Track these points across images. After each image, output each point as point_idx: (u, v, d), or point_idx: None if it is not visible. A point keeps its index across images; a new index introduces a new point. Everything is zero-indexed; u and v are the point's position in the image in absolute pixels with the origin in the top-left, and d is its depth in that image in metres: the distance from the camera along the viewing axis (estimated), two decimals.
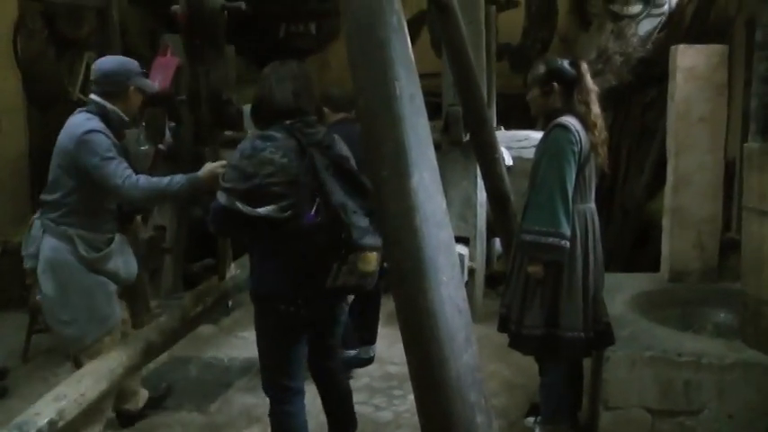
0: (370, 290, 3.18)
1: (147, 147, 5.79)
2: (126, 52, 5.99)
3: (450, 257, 1.93)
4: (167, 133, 6.38)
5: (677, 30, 7.91)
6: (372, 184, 1.96)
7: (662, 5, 8.95)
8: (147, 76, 3.94)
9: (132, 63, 3.73)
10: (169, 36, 7.07)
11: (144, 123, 5.95)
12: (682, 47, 4.84)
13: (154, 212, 6.77)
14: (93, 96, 3.61)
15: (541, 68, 3.72)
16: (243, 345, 5.62)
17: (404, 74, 1.92)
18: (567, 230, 3.42)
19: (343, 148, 3.19)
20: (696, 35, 6.97)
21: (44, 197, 3.56)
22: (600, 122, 3.63)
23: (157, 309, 6.07)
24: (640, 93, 7.78)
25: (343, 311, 3.52)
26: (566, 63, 3.70)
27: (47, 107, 7.55)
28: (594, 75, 7.83)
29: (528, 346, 3.65)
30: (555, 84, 3.64)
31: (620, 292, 4.60)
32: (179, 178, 3.50)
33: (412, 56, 2.03)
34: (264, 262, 3.17)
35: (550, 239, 3.41)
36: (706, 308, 4.62)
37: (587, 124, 3.56)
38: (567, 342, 3.55)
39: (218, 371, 5.21)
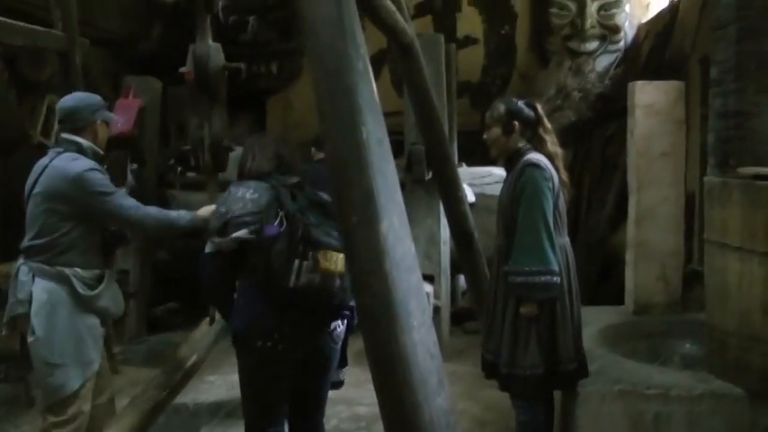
0: (342, 305, 3.16)
1: None
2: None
3: (420, 301, 1.93)
4: (129, 176, 6.34)
5: (634, 66, 8.09)
6: (342, 230, 1.96)
7: (618, 42, 9.17)
8: None
9: (94, 97, 3.76)
10: (132, 78, 7.08)
11: (105, 166, 5.90)
12: (640, 83, 4.95)
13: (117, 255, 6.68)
14: (64, 135, 3.60)
15: (501, 108, 3.72)
16: (209, 389, 5.53)
17: (371, 119, 1.94)
18: (556, 266, 3.44)
19: (319, 187, 3.24)
20: (653, 71, 7.13)
21: (31, 243, 3.50)
22: (562, 161, 3.67)
23: (121, 355, 5.98)
24: (600, 128, 7.90)
25: (331, 355, 3.35)
26: (523, 103, 3.72)
27: (8, 151, 7.45)
28: (554, 111, 8.09)
29: (527, 386, 3.58)
30: (516, 123, 3.65)
31: (587, 326, 4.61)
32: (184, 213, 3.64)
33: (378, 100, 2.04)
34: (240, 298, 3.19)
35: (543, 278, 3.40)
36: (672, 339, 4.67)
37: (555, 162, 3.60)
38: (564, 375, 3.57)
39: (185, 416, 5.11)
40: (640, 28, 9.06)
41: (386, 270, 1.87)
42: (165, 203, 7.13)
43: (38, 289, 3.43)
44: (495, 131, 3.71)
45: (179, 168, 7.10)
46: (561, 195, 3.61)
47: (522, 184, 3.53)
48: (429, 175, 5.73)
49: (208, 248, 3.14)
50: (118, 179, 5.85)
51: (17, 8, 5.99)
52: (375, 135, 1.93)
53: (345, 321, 3.29)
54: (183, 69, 4.25)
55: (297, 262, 3.00)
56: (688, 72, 6.29)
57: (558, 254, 3.50)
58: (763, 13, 4.55)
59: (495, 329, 3.71)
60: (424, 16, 9.36)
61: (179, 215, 3.62)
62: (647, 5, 9.54)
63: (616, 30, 9.14)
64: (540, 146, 3.64)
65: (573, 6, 9.21)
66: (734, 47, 4.58)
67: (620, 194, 6.74)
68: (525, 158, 3.58)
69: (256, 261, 3.06)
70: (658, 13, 8.25)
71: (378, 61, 8.63)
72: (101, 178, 3.47)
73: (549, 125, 3.72)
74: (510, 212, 3.58)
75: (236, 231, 3.06)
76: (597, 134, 7.92)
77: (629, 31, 9.23)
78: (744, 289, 3.62)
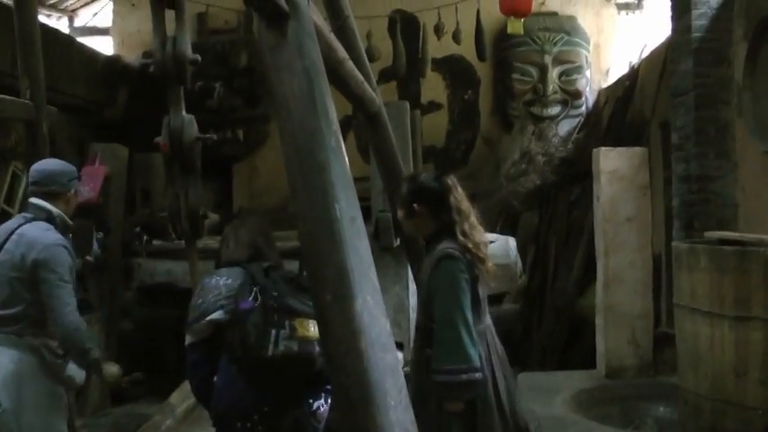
0: (323, 372, 3.06)
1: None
2: None
3: (396, 380, 1.90)
4: (95, 245, 6.24)
5: (595, 130, 8.25)
6: (316, 309, 1.93)
7: (579, 107, 9.40)
8: None
9: (71, 166, 3.78)
10: (98, 145, 7.04)
11: (71, 234, 5.83)
12: (604, 150, 5.03)
13: None
14: (34, 201, 3.55)
15: (403, 188, 3.52)
16: None
17: (343, 196, 1.93)
18: (477, 362, 3.28)
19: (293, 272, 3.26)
20: (614, 136, 7.27)
21: None
22: (479, 238, 3.41)
23: (83, 428, 5.80)
24: (564, 191, 8.00)
25: None
26: (430, 179, 3.49)
27: None
28: (519, 175, 8.19)
29: None
30: (416, 205, 3.43)
31: (559, 392, 4.60)
32: (95, 350, 3.58)
33: (350, 176, 2.04)
34: (220, 377, 3.13)
35: (464, 377, 3.23)
36: (645, 403, 4.67)
37: (466, 245, 3.34)
38: None
39: None
40: (601, 93, 9.28)
41: (361, 349, 1.83)
42: (130, 272, 7.06)
43: (5, 359, 3.34)
44: (400, 213, 3.55)
45: (144, 236, 7.03)
46: (480, 279, 3.42)
47: (437, 278, 3.34)
48: (397, 242, 5.73)
49: (187, 340, 3.13)
50: (83, 248, 5.77)
51: None
52: (348, 212, 1.92)
53: (328, 401, 3.22)
54: (158, 140, 4.29)
55: (273, 331, 2.98)
56: (649, 136, 6.42)
57: (479, 344, 3.35)
58: (719, 81, 4.70)
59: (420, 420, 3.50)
60: (388, 82, 9.49)
61: (92, 347, 3.53)
62: (607, 71, 9.82)
63: (577, 95, 9.38)
64: (450, 228, 3.38)
65: (535, 72, 9.44)
66: (693, 113, 4.72)
67: (586, 257, 6.78)
68: (440, 248, 3.36)
69: (233, 335, 3.03)
70: (618, 79, 8.46)
71: (343, 127, 8.70)
72: (66, 261, 3.42)
73: (460, 198, 3.44)
74: (428, 299, 3.41)
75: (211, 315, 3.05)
76: (562, 198, 8.01)
77: (589, 96, 9.48)
78: (716, 353, 3.63)
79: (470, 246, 3.34)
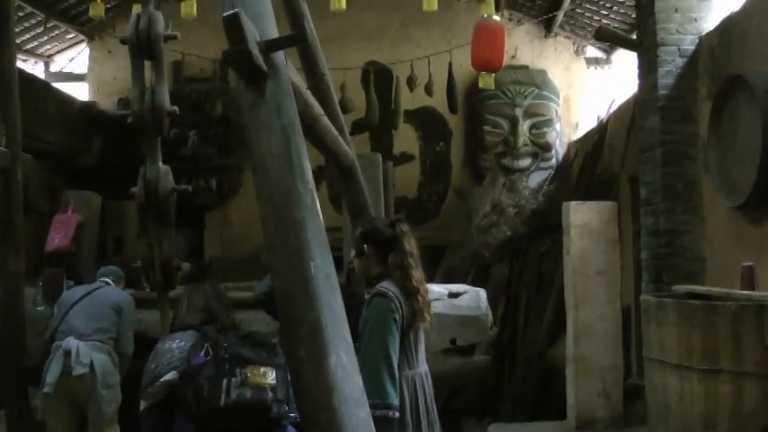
0: (280, 417, 3.06)
1: (43, 307, 5.61)
2: (26, 207, 5.86)
3: None
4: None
5: (566, 183, 8.36)
6: (290, 365, 1.95)
7: (550, 159, 9.52)
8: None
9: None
10: (71, 192, 7.00)
11: (41, 282, 5.78)
12: (574, 204, 5.12)
13: None
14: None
15: (357, 230, 3.63)
16: None
17: (318, 254, 1.96)
18: (395, 400, 3.25)
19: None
20: (584, 189, 7.38)
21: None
22: (422, 287, 3.42)
23: None
24: (535, 243, 8.06)
25: None
26: (384, 224, 3.56)
27: None
28: (490, 226, 8.25)
29: None
30: (366, 247, 3.49)
31: None
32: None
33: (325, 233, 2.07)
34: None
35: (379, 412, 3.13)
36: None
37: (407, 290, 3.36)
38: None
39: None
40: (570, 146, 9.43)
41: (335, 405, 1.85)
42: None
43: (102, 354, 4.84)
44: (351, 253, 3.62)
45: None
46: (416, 324, 3.42)
47: (367, 315, 3.36)
48: (368, 293, 5.73)
49: (142, 405, 3.17)
50: (54, 296, 5.73)
51: None
52: (323, 270, 1.95)
53: None
54: (133, 190, 4.35)
55: (225, 380, 2.98)
56: (618, 190, 6.53)
57: (405, 386, 3.35)
58: (685, 137, 4.82)
59: None
60: (361, 133, 9.56)
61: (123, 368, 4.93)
62: (576, 125, 9.99)
63: (548, 147, 9.50)
64: (396, 272, 3.41)
65: (505, 124, 9.57)
66: (660, 169, 4.82)
67: (557, 308, 6.82)
68: (376, 287, 3.39)
69: (186, 391, 3.03)
70: (587, 133, 8.61)
71: (316, 177, 8.70)
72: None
73: (409, 247, 3.46)
74: (361, 335, 3.37)
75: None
76: (533, 250, 8.08)
77: (559, 149, 9.60)
78: (685, 405, 3.66)
79: (414, 287, 3.36)
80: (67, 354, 4.72)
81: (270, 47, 2.18)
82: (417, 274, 3.43)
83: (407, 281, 3.37)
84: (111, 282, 5.24)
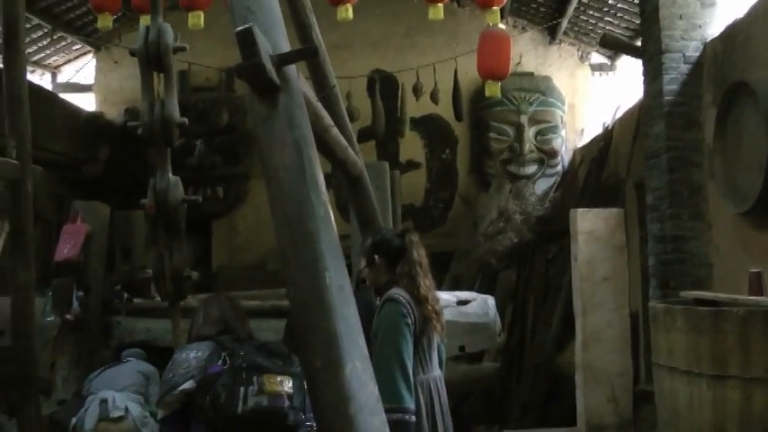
0: (297, 425, 3.09)
1: (53, 317, 5.63)
2: (34, 217, 5.88)
3: None
4: (75, 303, 6.21)
5: (571, 189, 8.36)
6: (306, 374, 1.97)
7: (555, 166, 9.55)
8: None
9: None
10: (79, 203, 7.02)
11: (50, 292, 5.80)
12: (581, 211, 5.13)
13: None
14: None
15: (368, 240, 3.69)
16: None
17: (333, 265, 1.98)
18: (410, 404, 3.29)
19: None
20: (590, 195, 7.39)
21: None
22: (431, 295, 3.48)
23: None
24: (542, 249, 8.08)
25: None
26: (393, 235, 3.66)
27: None
28: (497, 233, 8.27)
29: None
30: (376, 257, 3.56)
31: None
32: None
33: (339, 244, 2.10)
34: None
35: (395, 416, 3.20)
36: None
37: (416, 298, 3.42)
38: None
39: None
40: (576, 152, 9.45)
41: (351, 414, 1.87)
42: (109, 330, 7.00)
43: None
44: (362, 263, 3.69)
45: (125, 295, 6.98)
46: (428, 330, 3.47)
47: (379, 320, 3.43)
48: (377, 301, 5.75)
49: (159, 415, 3.22)
50: (62, 306, 5.75)
51: None
52: (337, 281, 1.98)
53: None
54: (143, 202, 4.37)
55: (242, 389, 3.02)
56: (625, 196, 6.54)
57: (420, 391, 3.39)
58: (691, 144, 4.84)
59: None
60: (367, 141, 9.58)
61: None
62: (582, 131, 10.01)
63: (553, 154, 9.53)
64: (405, 281, 3.48)
65: (511, 131, 9.60)
66: (666, 175, 4.83)
67: (565, 314, 6.84)
68: (387, 293, 3.46)
69: (203, 399, 3.06)
70: (593, 139, 8.62)
71: None
72: None
73: (418, 257, 3.53)
74: (373, 341, 3.41)
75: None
76: (539, 256, 8.09)
77: (565, 156, 9.63)
78: (694, 411, 3.67)
79: (423, 295, 3.42)
80: (104, 401, 4.85)
81: (282, 60, 2.21)
82: (426, 282, 3.50)
83: (416, 289, 3.44)
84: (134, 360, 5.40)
